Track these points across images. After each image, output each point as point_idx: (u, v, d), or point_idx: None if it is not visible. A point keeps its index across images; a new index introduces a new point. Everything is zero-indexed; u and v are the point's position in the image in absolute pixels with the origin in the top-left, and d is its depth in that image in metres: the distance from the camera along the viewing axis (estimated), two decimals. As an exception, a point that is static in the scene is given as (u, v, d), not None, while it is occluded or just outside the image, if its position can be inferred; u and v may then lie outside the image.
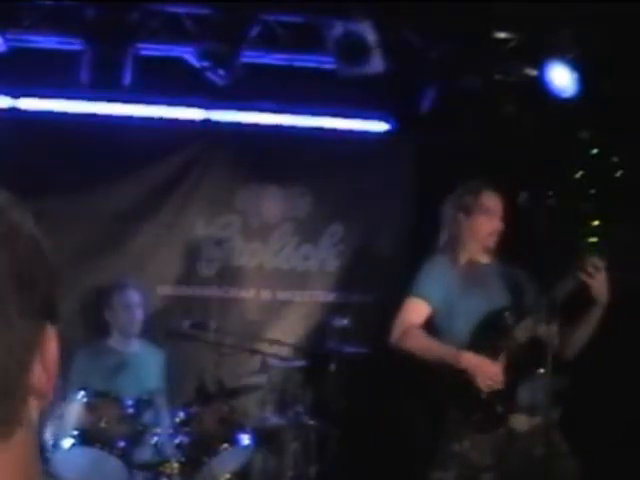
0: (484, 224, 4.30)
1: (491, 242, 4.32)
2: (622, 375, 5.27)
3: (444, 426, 4.13)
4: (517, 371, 4.08)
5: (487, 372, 4.04)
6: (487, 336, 4.15)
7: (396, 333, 4.23)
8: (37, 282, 0.92)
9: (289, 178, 6.50)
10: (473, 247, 4.33)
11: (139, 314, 5.71)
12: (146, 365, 5.63)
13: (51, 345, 0.95)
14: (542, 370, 3.99)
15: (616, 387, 5.29)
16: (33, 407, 0.93)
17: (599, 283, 4.02)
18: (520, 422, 4.08)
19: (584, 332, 4.15)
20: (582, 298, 4.07)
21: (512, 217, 4.34)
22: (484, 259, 4.37)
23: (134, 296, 5.73)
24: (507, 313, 4.18)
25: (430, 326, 4.28)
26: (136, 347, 5.69)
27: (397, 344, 4.23)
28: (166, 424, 5.12)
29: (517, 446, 4.07)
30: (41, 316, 0.93)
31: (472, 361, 4.05)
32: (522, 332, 4.06)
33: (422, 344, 4.17)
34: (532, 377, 4.06)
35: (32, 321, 0.91)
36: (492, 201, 4.33)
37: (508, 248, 4.43)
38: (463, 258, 4.32)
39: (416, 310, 4.27)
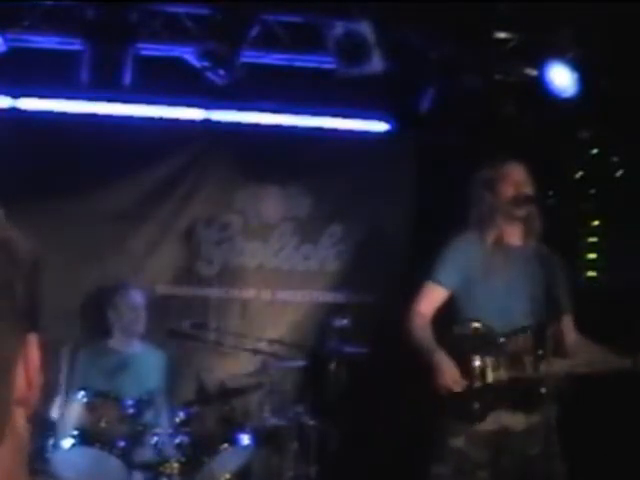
0: (506, 191, 4.20)
1: (518, 211, 4.19)
2: (620, 375, 5.27)
3: (441, 420, 4.13)
4: (522, 389, 4.07)
5: (447, 377, 4.05)
6: (516, 345, 4.12)
7: (409, 317, 4.25)
8: (14, 290, 0.90)
9: (289, 178, 6.50)
10: (502, 221, 4.25)
11: (143, 314, 5.72)
12: (147, 365, 5.63)
13: (33, 353, 0.93)
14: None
15: (613, 388, 5.29)
16: (19, 415, 0.92)
17: None
18: (517, 421, 4.07)
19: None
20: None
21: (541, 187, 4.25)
22: (515, 240, 4.28)
23: (138, 296, 5.75)
24: (542, 335, 4.13)
25: (452, 308, 4.27)
26: (137, 347, 5.69)
27: (406, 328, 4.26)
28: (166, 424, 5.12)
29: (512, 445, 4.06)
30: (22, 325, 0.91)
31: (440, 364, 4.06)
32: (546, 365, 4.04)
33: (413, 332, 4.20)
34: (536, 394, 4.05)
35: (13, 331, 0.89)
36: (514, 169, 4.26)
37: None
38: (491, 237, 4.24)
39: (430, 296, 4.26)
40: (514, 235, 4.26)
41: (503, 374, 4.06)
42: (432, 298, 4.26)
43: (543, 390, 3.97)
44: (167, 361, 5.74)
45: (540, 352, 4.06)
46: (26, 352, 0.91)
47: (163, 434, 5.01)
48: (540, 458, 4.00)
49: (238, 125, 6.50)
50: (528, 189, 4.20)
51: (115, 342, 5.71)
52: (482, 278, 4.17)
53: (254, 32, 5.64)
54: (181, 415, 5.10)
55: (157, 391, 5.45)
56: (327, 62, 5.75)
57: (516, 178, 4.23)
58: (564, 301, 4.15)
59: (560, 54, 5.55)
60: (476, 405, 4.06)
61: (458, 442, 4.05)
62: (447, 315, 4.28)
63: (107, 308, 5.75)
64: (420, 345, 4.17)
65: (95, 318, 5.91)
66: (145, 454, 4.95)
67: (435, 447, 4.12)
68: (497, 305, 4.14)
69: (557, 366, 4.00)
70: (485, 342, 4.09)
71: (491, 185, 4.24)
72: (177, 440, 5.00)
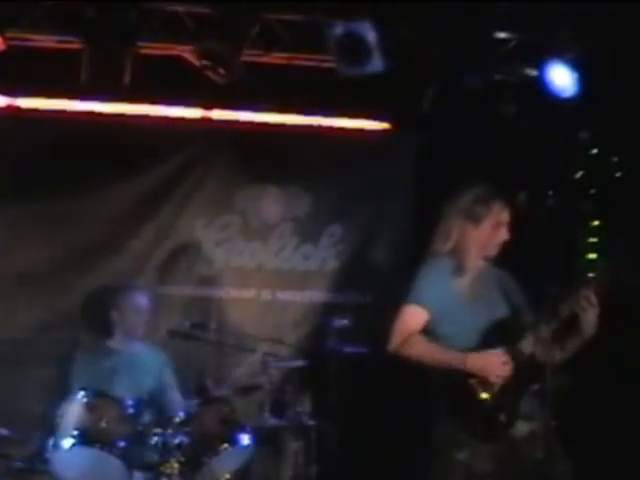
0: (493, 235, 4.23)
1: (495, 252, 4.28)
2: (618, 377, 5.28)
3: (443, 431, 4.09)
4: (521, 381, 4.05)
5: (495, 366, 4.01)
6: (493, 346, 4.11)
7: (396, 341, 4.16)
8: None
9: (289, 178, 6.50)
10: (477, 255, 4.27)
11: (147, 317, 5.71)
12: (147, 366, 5.63)
13: None
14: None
15: (610, 388, 5.30)
16: None
17: (590, 318, 4.01)
18: (519, 428, 4.07)
19: (560, 355, 4.12)
20: (568, 326, 4.07)
21: (515, 223, 4.29)
22: (481, 262, 4.32)
23: (142, 298, 5.74)
24: (512, 322, 4.13)
25: (424, 331, 4.22)
26: (137, 347, 5.69)
27: (397, 352, 4.17)
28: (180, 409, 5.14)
29: (517, 452, 4.04)
30: None
31: (479, 362, 4.02)
32: (527, 344, 4.02)
33: (426, 350, 4.10)
34: (533, 388, 4.01)
35: None
36: (503, 212, 4.28)
37: (508, 249, 4.41)
38: (469, 265, 4.26)
39: (414, 317, 4.18)
40: (478, 258, 4.28)
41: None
42: (413, 321, 4.18)
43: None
44: (168, 361, 5.73)
45: (519, 340, 4.06)
46: None
47: (163, 434, 5.00)
48: (544, 462, 3.99)
49: (238, 125, 6.49)
50: (508, 233, 4.24)
51: (116, 342, 5.71)
52: (466, 303, 4.16)
53: (254, 32, 5.64)
54: (181, 415, 5.10)
55: (164, 389, 5.47)
56: (327, 62, 5.75)
57: (503, 220, 4.24)
58: (528, 318, 4.16)
59: (560, 54, 5.55)
60: (502, 417, 4.04)
61: (463, 455, 4.01)
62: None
63: (110, 308, 5.74)
64: (440, 360, 4.06)
65: (95, 318, 5.90)
66: (145, 454, 4.95)
67: (436, 462, 4.09)
68: (481, 326, 4.13)
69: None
70: None
71: (476, 221, 4.23)
72: (177, 440, 5.00)
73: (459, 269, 4.21)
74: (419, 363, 4.12)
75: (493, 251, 4.27)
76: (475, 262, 4.25)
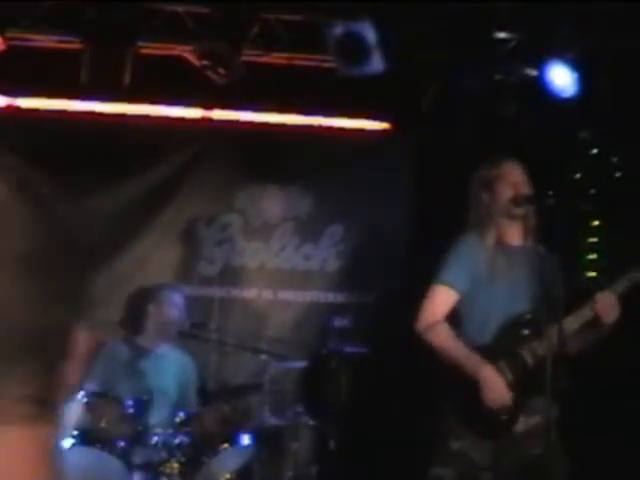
0: (505, 190, 4.18)
1: (517, 210, 4.18)
2: (621, 374, 5.27)
3: (444, 423, 4.10)
4: (529, 382, 4.04)
5: (498, 392, 4.00)
6: (508, 343, 4.09)
7: (422, 323, 4.11)
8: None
9: (289, 178, 6.50)
10: (501, 221, 4.23)
11: (181, 313, 5.60)
12: (173, 367, 5.52)
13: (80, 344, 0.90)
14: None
15: (614, 385, 5.29)
16: None
17: (611, 320, 4.03)
18: (520, 423, 4.06)
19: (581, 342, 4.12)
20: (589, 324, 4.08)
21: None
22: (515, 240, 4.26)
23: (179, 295, 5.64)
24: (531, 321, 4.10)
25: (453, 311, 4.20)
26: (165, 348, 5.57)
27: (422, 334, 4.14)
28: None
29: (515, 446, 4.04)
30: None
31: (489, 377, 4.00)
32: (543, 347, 4.00)
33: (446, 344, 4.07)
34: (541, 388, 4.00)
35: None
36: (512, 169, 4.23)
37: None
38: (491, 237, 4.21)
39: (443, 299, 4.15)
40: (514, 235, 4.24)
41: (509, 376, 4.04)
42: (443, 302, 4.15)
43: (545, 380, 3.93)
44: (193, 364, 5.65)
45: (535, 339, 4.04)
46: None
47: (163, 434, 5.00)
48: (542, 458, 3.98)
49: (238, 124, 6.49)
50: (526, 188, 4.20)
51: (146, 340, 5.57)
52: (486, 280, 4.14)
53: (254, 32, 5.64)
54: (181, 415, 5.09)
55: (186, 392, 5.44)
56: (327, 62, 5.75)
57: (514, 177, 4.21)
58: (563, 301, 4.13)
59: (560, 54, 5.55)
60: (504, 417, 4.03)
61: (460, 445, 4.02)
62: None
63: (148, 302, 5.62)
64: (457, 358, 4.03)
65: (132, 311, 5.82)
66: (145, 454, 4.94)
67: (435, 450, 4.09)
68: (500, 306, 4.11)
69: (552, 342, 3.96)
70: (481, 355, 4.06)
71: (489, 185, 4.22)
72: (177, 440, 4.99)
73: (482, 240, 4.19)
74: (436, 353, 4.10)
75: (513, 209, 4.19)
76: (501, 231, 4.21)
